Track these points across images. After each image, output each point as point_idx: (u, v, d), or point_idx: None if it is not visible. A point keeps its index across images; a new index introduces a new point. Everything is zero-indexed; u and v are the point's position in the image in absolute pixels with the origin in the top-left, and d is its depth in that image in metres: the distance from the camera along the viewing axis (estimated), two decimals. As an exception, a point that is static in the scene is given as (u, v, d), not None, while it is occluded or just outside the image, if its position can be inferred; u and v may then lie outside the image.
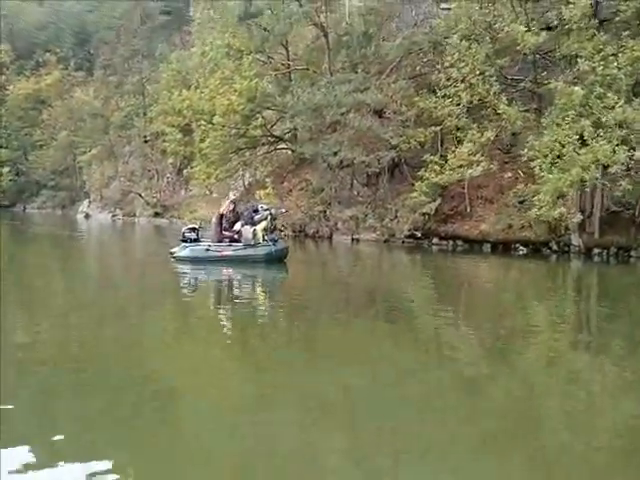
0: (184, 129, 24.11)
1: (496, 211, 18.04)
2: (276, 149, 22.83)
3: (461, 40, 14.86)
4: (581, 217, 12.98)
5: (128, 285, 10.12)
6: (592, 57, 12.43)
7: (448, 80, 15.66)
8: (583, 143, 12.35)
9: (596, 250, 15.76)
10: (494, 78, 14.73)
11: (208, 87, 20.55)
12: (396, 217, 17.97)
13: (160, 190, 31.93)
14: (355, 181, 20.23)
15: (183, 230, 11.54)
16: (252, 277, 10.97)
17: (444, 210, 17.86)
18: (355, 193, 20.01)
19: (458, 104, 15.21)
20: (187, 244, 11.23)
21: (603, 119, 11.89)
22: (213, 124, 20.55)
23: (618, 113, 11.72)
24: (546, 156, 13.17)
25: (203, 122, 20.64)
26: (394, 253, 17.39)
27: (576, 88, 12.36)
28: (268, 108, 20.73)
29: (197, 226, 11.86)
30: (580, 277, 13.54)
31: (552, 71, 15.76)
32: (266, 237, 11.25)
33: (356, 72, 18.23)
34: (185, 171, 21.70)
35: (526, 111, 14.61)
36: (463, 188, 17.80)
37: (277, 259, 11.58)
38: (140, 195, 31.91)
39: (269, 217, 11.57)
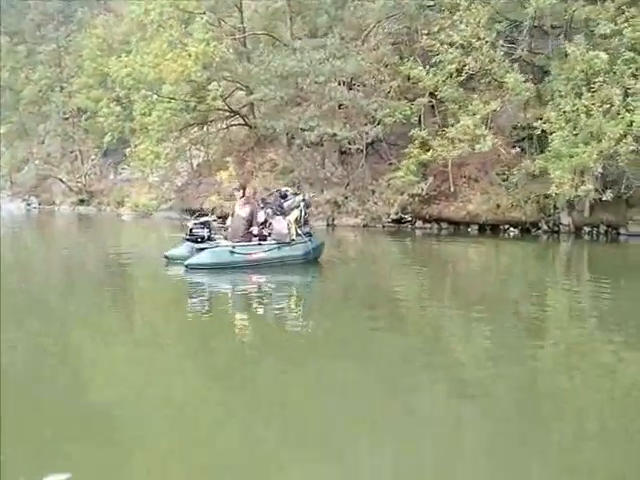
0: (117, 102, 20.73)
1: (482, 191, 16.97)
2: (232, 125, 20.20)
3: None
4: (612, 193, 11.91)
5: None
6: (614, 19, 11.32)
7: (442, 45, 14.00)
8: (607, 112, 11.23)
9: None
10: (500, 42, 13.26)
11: (152, 52, 17.50)
12: (380, 199, 16.26)
13: (85, 174, 28.04)
14: (327, 161, 18.27)
15: (190, 225, 8.54)
16: (295, 286, 8.31)
17: (427, 191, 16.40)
18: (328, 174, 18.04)
19: (456, 73, 13.60)
20: (201, 244, 8.32)
21: (636, 86, 10.80)
22: (160, 96, 17.65)
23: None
24: (562, 128, 11.95)
25: (148, 92, 17.65)
26: (379, 239, 15.72)
27: (601, 53, 11.19)
28: (225, 78, 18.08)
29: (211, 218, 9.05)
30: (576, 258, 13.04)
31: (547, 39, 14.68)
32: (299, 231, 8.74)
33: (327, 37, 16.06)
34: (128, 150, 18.54)
35: (525, 82, 13.32)
36: (445, 166, 16.49)
37: (314, 259, 9.15)
38: (61, 180, 27.86)
39: (302, 204, 9.08)
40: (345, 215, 16.99)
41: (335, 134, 15.45)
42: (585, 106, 11.46)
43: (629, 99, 11.07)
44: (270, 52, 16.04)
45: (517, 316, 6.42)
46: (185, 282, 8.11)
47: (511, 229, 16.07)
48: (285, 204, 8.89)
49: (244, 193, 9.00)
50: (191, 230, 8.47)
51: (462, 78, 13.55)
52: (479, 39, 13.01)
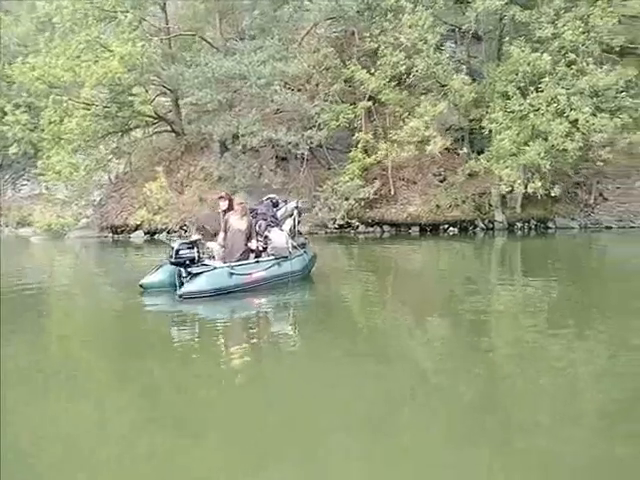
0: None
1: (420, 192, 17.23)
2: (157, 132, 18.77)
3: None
4: (559, 189, 12.38)
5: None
6: (554, 22, 11.87)
7: (387, 48, 13.94)
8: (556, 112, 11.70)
9: (518, 224, 16.18)
10: (448, 44, 13.44)
11: (66, 53, 15.74)
12: (326, 205, 15.82)
13: (-24, 190, 24.73)
14: (264, 167, 17.54)
15: (176, 246, 7.00)
16: (301, 307, 7.08)
17: (369, 195, 16.27)
18: (267, 181, 17.30)
19: (405, 75, 13.58)
20: (194, 268, 6.88)
21: (579, 86, 11.35)
22: (77, 101, 15.92)
23: (591, 80, 11.29)
24: (509, 127, 12.31)
25: (62, 97, 15.84)
26: (326, 246, 15.18)
27: (544, 54, 11.66)
28: (152, 81, 16.76)
29: (198, 237, 7.38)
30: (511, 252, 13.49)
31: (480, 43, 15.21)
32: (294, 242, 7.72)
33: (266, 38, 15.42)
34: (40, 162, 16.35)
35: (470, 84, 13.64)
36: (384, 170, 16.53)
37: (309, 272, 8.19)
38: (-52, 200, 24.32)
39: (295, 212, 8.16)
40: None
41: (279, 139, 14.78)
42: (532, 105, 11.85)
43: (572, 98, 11.60)
44: (205, 54, 15.03)
45: (466, 313, 6.33)
46: (175, 315, 6.52)
47: (451, 228, 16.48)
48: (278, 213, 8.03)
49: (231, 204, 7.81)
50: (177, 252, 6.94)
51: (410, 80, 13.51)
52: (425, 42, 13.06)
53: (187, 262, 6.96)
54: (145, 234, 17.49)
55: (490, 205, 16.22)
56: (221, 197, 7.95)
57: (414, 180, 17.38)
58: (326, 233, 16.35)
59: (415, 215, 16.59)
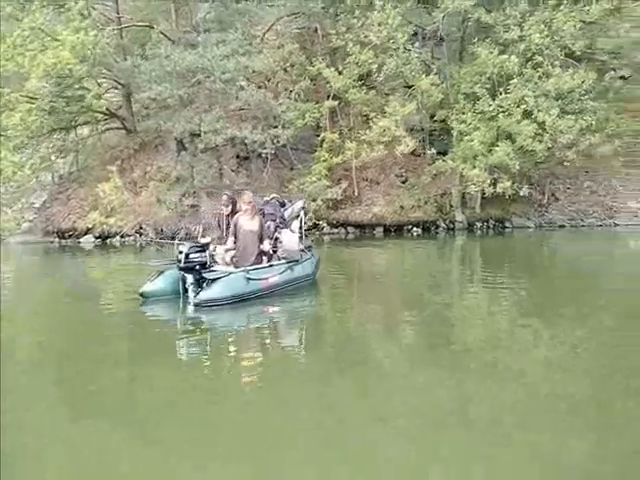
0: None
1: (384, 193, 17.31)
2: (107, 129, 17.67)
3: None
4: (528, 189, 12.71)
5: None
6: (520, 25, 12.20)
7: (354, 46, 13.83)
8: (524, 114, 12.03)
9: (477, 224, 16.61)
10: (417, 44, 13.49)
11: (5, 41, 14.45)
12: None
13: None
14: (225, 167, 16.94)
15: (185, 249, 6.40)
16: (322, 318, 6.64)
17: (335, 195, 16.12)
18: (228, 182, 16.73)
19: (376, 74, 13.51)
20: (208, 274, 6.35)
21: (545, 88, 11.72)
22: (22, 94, 14.65)
23: (556, 82, 11.71)
24: (478, 128, 12.54)
25: (6, 90, 14.53)
26: None
27: (512, 56, 11.97)
28: (104, 74, 15.74)
29: (208, 240, 6.69)
30: (470, 252, 13.90)
31: (442, 45, 15.44)
32: (302, 245, 7.37)
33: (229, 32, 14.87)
34: (-22, 161, 14.86)
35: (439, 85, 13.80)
36: (347, 170, 16.49)
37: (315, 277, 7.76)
38: None
39: (302, 213, 7.71)
40: (254, 225, 15.83)
41: (244, 137, 14.29)
42: (501, 107, 12.12)
43: (539, 100, 11.97)
44: (166, 47, 14.27)
45: (438, 312, 6.54)
46: (194, 328, 5.95)
47: (414, 229, 16.65)
48: (285, 214, 7.60)
49: (234, 208, 7.19)
50: (187, 255, 6.39)
51: (379, 80, 13.45)
52: (395, 41, 13.06)
53: (197, 267, 6.44)
54: (96, 238, 16.39)
55: (451, 206, 16.53)
56: (224, 204, 7.38)
57: (377, 181, 17.41)
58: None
59: (380, 216, 16.62)
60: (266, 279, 6.67)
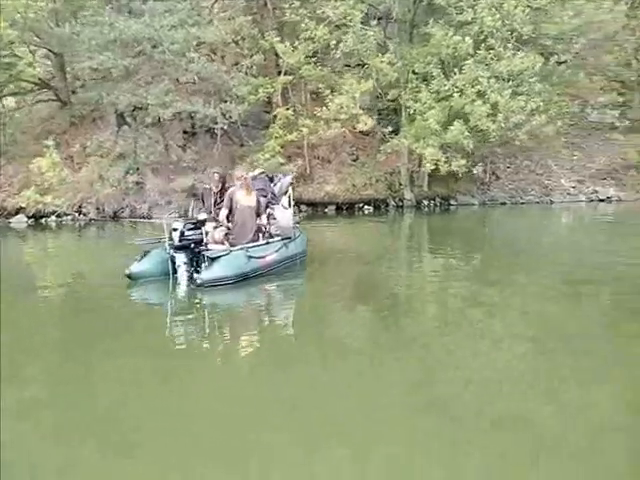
0: None
1: (335, 171, 17.35)
2: (39, 101, 16.30)
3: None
4: (480, 167, 13.16)
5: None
6: (473, 7, 12.49)
7: (311, 21, 13.60)
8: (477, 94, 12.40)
9: (425, 202, 17.10)
10: (373, 23, 13.44)
11: None
12: (246, 183, 15.13)
13: None
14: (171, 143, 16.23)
15: (180, 227, 6.06)
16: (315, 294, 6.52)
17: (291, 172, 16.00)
18: (174, 158, 16.08)
19: (334, 50, 13.33)
20: (210, 252, 6.04)
21: (498, 70, 12.14)
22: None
23: (508, 64, 12.16)
24: (432, 107, 12.82)
25: None
26: None
27: (467, 37, 12.26)
28: (36, 42, 14.43)
29: (206, 216, 6.33)
30: (418, 229, 14.34)
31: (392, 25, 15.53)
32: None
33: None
34: None
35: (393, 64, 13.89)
36: (298, 148, 16.37)
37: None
38: None
39: (290, 189, 7.48)
40: (205, 204, 15.33)
41: (196, 112, 13.72)
42: (456, 87, 12.43)
43: (491, 81, 12.37)
44: (110, 14, 13.27)
45: (392, 291, 6.70)
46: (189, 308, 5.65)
47: (366, 207, 16.86)
48: (275, 189, 7.33)
49: (224, 185, 6.90)
50: (183, 233, 6.06)
51: (335, 57, 13.32)
52: (352, 18, 12.96)
53: (193, 245, 6.12)
54: (29, 218, 15.24)
55: (400, 184, 16.86)
56: (216, 178, 7.04)
57: (328, 159, 17.39)
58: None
59: (332, 194, 16.65)
60: (264, 257, 6.47)
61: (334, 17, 13.00)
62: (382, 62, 13.41)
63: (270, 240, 6.82)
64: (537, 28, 12.79)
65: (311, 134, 13.97)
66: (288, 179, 7.70)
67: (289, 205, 7.44)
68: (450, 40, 12.36)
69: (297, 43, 13.79)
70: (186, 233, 6.14)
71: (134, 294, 6.18)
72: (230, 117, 14.02)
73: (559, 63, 13.39)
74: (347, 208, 16.84)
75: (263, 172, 7.60)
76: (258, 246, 6.58)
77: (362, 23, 13.41)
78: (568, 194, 17.69)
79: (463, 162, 12.76)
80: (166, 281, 6.19)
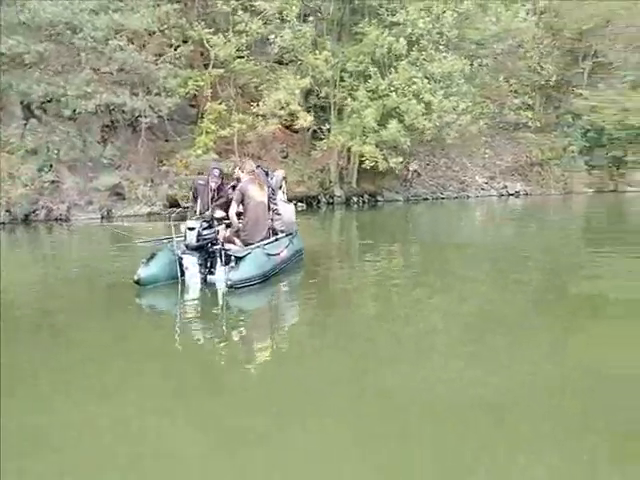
0: None
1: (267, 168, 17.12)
2: None
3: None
4: (416, 164, 13.64)
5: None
6: (405, 9, 12.90)
7: (244, 12, 13.25)
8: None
9: (354, 198, 17.54)
10: (311, 19, 13.36)
11: None
12: (177, 182, 14.38)
13: None
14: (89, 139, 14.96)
15: (197, 226, 5.66)
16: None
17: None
18: (93, 154, 14.87)
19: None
20: (234, 252, 5.80)
21: (430, 71, 12.68)
22: None
23: (439, 66, 12.75)
24: (369, 106, 13.11)
25: None
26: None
27: (401, 39, 12.65)
28: None
29: (222, 215, 6.10)
30: (348, 224, 14.83)
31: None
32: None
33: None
34: None
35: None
36: (228, 144, 15.95)
37: None
38: None
39: (283, 183, 7.23)
40: (130, 205, 14.31)
41: (123, 104, 12.78)
42: (392, 86, 12.79)
43: (424, 82, 12.88)
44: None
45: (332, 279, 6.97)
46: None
47: (299, 204, 16.83)
48: (272, 183, 6.96)
49: (222, 181, 6.62)
50: (200, 233, 5.71)
51: (275, 51, 13.10)
52: (288, 12, 12.82)
53: (209, 244, 5.83)
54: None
55: (330, 181, 17.06)
56: (215, 174, 6.65)
57: (259, 156, 17.07)
58: (159, 214, 14.88)
59: (263, 191, 16.41)
60: (279, 254, 6.29)
61: (270, 10, 12.74)
62: (317, 59, 13.39)
63: (278, 237, 6.62)
64: (462, 33, 13.51)
65: (250, 130, 13.60)
66: (281, 174, 7.47)
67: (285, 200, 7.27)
68: (384, 40, 12.67)
69: (231, 35, 13.35)
70: (204, 233, 5.80)
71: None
72: (160, 111, 13.23)
73: (481, 66, 14.30)
74: (280, 205, 16.71)
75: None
76: (271, 243, 6.37)
77: (297, 19, 13.30)
78: (482, 189, 18.99)
79: (400, 159, 13.17)
80: (174, 285, 5.76)
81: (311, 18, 13.49)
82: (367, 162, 13.49)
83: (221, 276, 5.85)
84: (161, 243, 6.09)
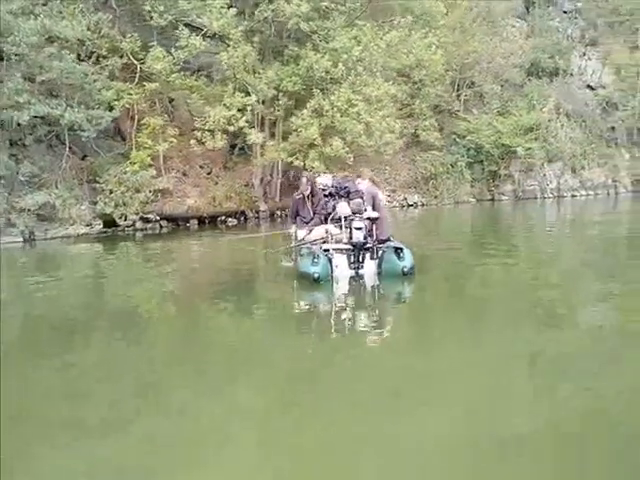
0: None
1: (193, 185, 16.87)
2: None
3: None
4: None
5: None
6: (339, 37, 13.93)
7: (185, 27, 13.13)
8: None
9: (278, 212, 18.17)
10: (256, 39, 13.64)
11: None
12: (111, 199, 13.46)
13: None
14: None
15: (362, 225, 6.78)
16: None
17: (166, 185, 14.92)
18: (7, 172, 13.27)
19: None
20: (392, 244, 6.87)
21: (367, 94, 13.90)
22: None
23: (373, 90, 14.06)
24: (312, 124, 13.92)
25: None
26: (111, 247, 12.95)
27: (340, 64, 13.68)
28: None
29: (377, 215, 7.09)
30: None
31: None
32: None
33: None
34: None
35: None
36: (153, 160, 15.48)
37: None
38: None
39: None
40: (62, 225, 13.04)
41: (60, 116, 11.74)
42: (335, 106, 13.74)
43: (362, 104, 14.01)
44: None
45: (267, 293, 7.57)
46: None
47: (229, 219, 16.83)
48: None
49: (313, 189, 7.43)
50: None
51: (217, 68, 13.15)
52: (233, 34, 13.03)
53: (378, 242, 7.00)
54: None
55: (255, 197, 17.41)
56: (306, 183, 7.44)
57: (184, 172, 16.69)
58: (89, 235, 13.89)
59: (195, 208, 16.13)
60: None
61: (217, 29, 12.82)
62: (259, 78, 13.78)
63: None
64: (386, 61, 15.00)
65: (198, 145, 13.44)
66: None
67: None
68: (321, 64, 13.55)
69: (173, 51, 13.11)
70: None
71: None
72: (99, 124, 12.42)
73: (403, 92, 15.99)
74: (210, 222, 16.50)
75: (334, 175, 7.82)
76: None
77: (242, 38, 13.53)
78: (387, 201, 20.84)
79: (347, 174, 14.08)
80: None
81: (256, 38, 13.71)
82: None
83: (371, 269, 6.87)
84: (314, 245, 7.00)
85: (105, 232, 13.94)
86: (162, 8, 13.30)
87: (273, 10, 13.60)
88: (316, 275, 6.48)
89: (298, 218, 7.55)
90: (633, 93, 23.08)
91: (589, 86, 24.22)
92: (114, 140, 15.17)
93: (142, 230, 14.82)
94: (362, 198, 6.99)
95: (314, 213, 7.36)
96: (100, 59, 13.06)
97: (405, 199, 21.29)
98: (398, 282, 6.68)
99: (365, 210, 6.93)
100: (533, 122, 21.35)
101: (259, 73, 13.87)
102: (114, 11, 13.66)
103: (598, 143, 23.14)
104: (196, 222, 16.29)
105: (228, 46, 13.31)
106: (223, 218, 16.80)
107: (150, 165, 14.06)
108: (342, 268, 6.84)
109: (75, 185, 13.47)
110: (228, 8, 13.10)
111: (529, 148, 21.29)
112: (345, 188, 7.24)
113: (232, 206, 17.00)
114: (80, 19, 12.44)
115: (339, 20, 14.18)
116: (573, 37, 24.60)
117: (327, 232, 6.97)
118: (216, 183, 17.03)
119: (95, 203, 13.36)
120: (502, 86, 22.62)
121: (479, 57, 20.78)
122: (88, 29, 12.65)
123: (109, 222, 13.66)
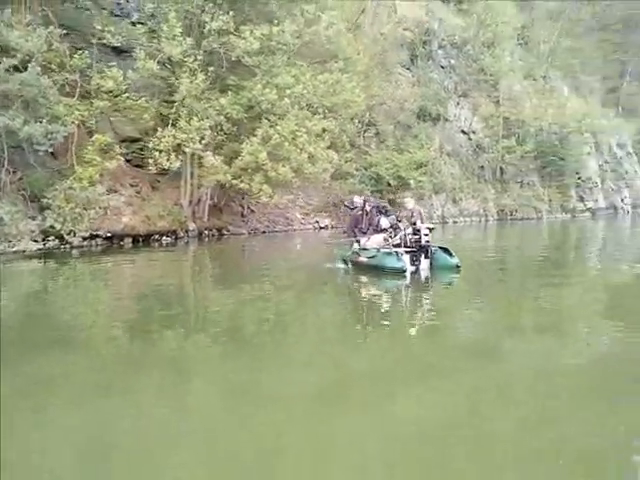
0: None
1: (126, 203, 16.75)
2: None
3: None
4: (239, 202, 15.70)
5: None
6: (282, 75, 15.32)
7: (142, 49, 13.55)
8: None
9: (206, 232, 18.92)
10: (212, 69, 14.36)
11: None
12: (60, 215, 13.06)
13: None
14: None
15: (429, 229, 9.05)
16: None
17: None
18: None
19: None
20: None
21: (310, 127, 15.43)
22: None
23: (314, 124, 15.68)
24: (261, 151, 15.04)
25: None
26: (61, 265, 12.69)
27: (285, 99, 15.05)
28: None
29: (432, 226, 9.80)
30: (202, 257, 15.55)
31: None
32: None
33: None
34: None
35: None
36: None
37: None
38: None
39: None
40: (6, 241, 12.30)
41: (18, 129, 11.35)
42: (282, 135, 15.01)
43: (306, 136, 15.43)
44: None
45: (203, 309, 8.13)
46: None
47: (164, 238, 16.98)
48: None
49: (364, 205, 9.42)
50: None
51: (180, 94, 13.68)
52: (191, 62, 13.75)
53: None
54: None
55: (185, 216, 17.89)
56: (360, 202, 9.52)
57: (114, 189, 16.48)
58: (24, 252, 13.29)
59: (130, 226, 16.07)
60: None
61: (175, 56, 13.43)
62: (209, 105, 14.58)
63: None
64: (320, 99, 16.65)
65: (155, 165, 13.71)
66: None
67: None
68: (266, 96, 14.81)
69: (130, 72, 13.38)
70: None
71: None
72: (55, 138, 12.18)
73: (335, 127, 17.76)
74: (143, 240, 16.51)
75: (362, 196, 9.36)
76: None
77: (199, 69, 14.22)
78: (301, 223, 22.42)
79: (291, 197, 15.37)
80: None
81: (212, 68, 14.50)
82: (263, 198, 15.25)
83: (426, 265, 9.03)
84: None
85: (40, 249, 13.38)
86: (113, 29, 13.55)
87: (222, 43, 14.58)
88: (404, 268, 8.72)
89: (356, 229, 9.37)
90: (497, 139, 27.83)
91: (463, 131, 28.63)
92: (46, 155, 14.62)
93: (78, 247, 14.41)
94: (412, 214, 9.12)
95: (369, 225, 8.80)
96: (49, 73, 12.76)
97: (317, 222, 23.05)
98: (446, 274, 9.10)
99: (414, 224, 9.04)
100: (423, 159, 24.68)
101: (208, 100, 14.63)
102: (62, 27, 13.48)
103: (472, 179, 27.40)
104: (130, 240, 16.18)
105: (184, 72, 13.91)
106: (157, 237, 16.91)
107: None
108: (408, 264, 8.99)
109: (19, 200, 12.83)
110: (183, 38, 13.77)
111: (420, 181, 24.53)
112: (384, 207, 8.95)
113: (164, 225, 17.21)
114: (31, 32, 12.19)
115: (281, 58, 15.55)
116: (449, 88, 28.86)
117: (385, 239, 8.78)
118: (145, 201, 17.11)
119: (37, 219, 12.84)
120: (395, 127, 25.78)
121: (379, 100, 23.59)
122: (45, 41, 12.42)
123: (62, 240, 13.18)
